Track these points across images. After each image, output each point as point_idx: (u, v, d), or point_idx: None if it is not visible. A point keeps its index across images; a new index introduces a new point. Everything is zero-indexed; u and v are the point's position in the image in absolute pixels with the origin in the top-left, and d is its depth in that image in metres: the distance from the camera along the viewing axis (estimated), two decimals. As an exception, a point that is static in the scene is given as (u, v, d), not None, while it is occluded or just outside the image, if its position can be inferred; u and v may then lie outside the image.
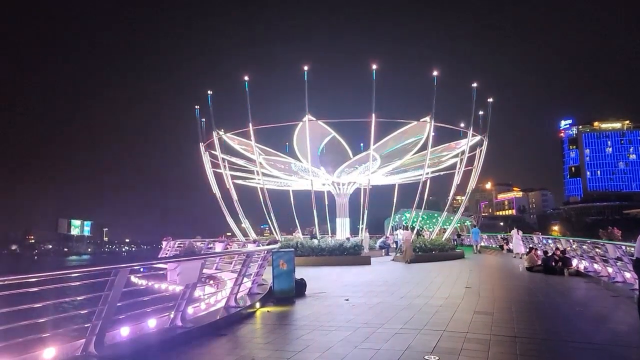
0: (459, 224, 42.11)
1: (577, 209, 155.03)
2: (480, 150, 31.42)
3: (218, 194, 32.88)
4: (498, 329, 7.40)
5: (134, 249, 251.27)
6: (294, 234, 32.43)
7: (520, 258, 25.29)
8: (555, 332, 7.58)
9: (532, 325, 8.08)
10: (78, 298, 6.26)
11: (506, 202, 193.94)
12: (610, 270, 13.85)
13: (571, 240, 19.56)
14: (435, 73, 26.29)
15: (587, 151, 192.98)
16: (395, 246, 29.85)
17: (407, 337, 6.88)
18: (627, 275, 12.49)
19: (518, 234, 27.39)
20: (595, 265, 15.72)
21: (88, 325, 5.58)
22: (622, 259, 12.57)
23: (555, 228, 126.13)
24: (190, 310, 7.84)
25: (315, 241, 25.53)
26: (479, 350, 6.07)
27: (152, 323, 6.99)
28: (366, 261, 22.85)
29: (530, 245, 21.98)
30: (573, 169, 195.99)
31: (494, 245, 38.64)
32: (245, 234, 32.76)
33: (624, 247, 12.70)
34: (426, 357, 5.73)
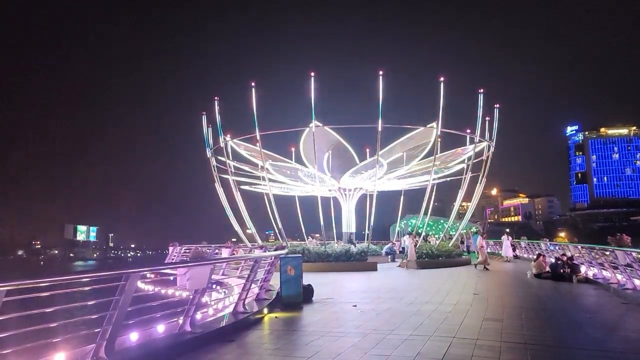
0: (465, 231, 41.91)
1: (583, 215, 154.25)
2: (487, 156, 31.31)
3: (224, 200, 32.94)
4: (508, 335, 7.34)
5: (139, 254, 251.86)
6: (311, 240, 31.75)
7: (508, 262, 28.43)
8: (566, 339, 7.53)
9: (542, 332, 8.01)
10: (88, 303, 6.27)
11: (512, 209, 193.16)
12: (620, 277, 13.74)
13: (579, 247, 19.41)
14: (441, 79, 26.26)
15: (594, 157, 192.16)
16: (402, 252, 29.70)
17: (417, 343, 6.84)
18: (637, 282, 12.39)
19: (508, 239, 30.80)
20: (605, 272, 15.60)
21: (98, 330, 5.57)
22: (632, 265, 12.46)
23: (562, 234, 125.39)
24: (198, 315, 7.84)
25: (354, 247, 25.59)
26: (490, 357, 6.02)
27: (161, 328, 6.99)
28: (373, 267, 22.79)
29: (538, 252, 21.85)
30: (579, 175, 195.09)
31: (500, 252, 38.41)
32: (251, 240, 32.75)
33: (633, 254, 12.59)
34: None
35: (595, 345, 7.10)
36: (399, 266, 24.95)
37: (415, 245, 26.95)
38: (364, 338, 7.31)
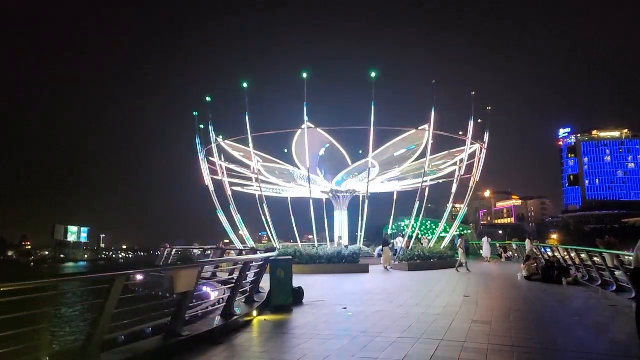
0: (457, 232, 42.09)
1: (575, 217, 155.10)
2: (479, 159, 31.45)
3: (216, 201, 32.83)
4: (496, 338, 7.38)
5: (130, 256, 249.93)
6: (337, 241, 31.05)
7: (488, 262, 30.37)
8: (553, 341, 7.56)
9: (530, 334, 8.05)
10: (75, 306, 6.25)
11: (505, 211, 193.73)
12: (608, 279, 13.83)
13: (569, 249, 19.51)
14: (433, 81, 26.37)
15: (586, 160, 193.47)
16: (395, 254, 29.67)
17: (404, 346, 6.86)
18: (625, 284, 12.47)
19: (487, 241, 33.86)
20: (594, 275, 15.69)
21: (85, 333, 5.55)
22: (620, 268, 12.54)
23: (554, 236, 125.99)
24: (187, 318, 7.81)
25: (391, 247, 25.50)
26: (476, 360, 6.05)
27: (149, 331, 6.96)
28: (364, 269, 22.80)
29: (527, 254, 21.94)
30: (572, 177, 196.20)
31: (493, 254, 38.59)
32: (243, 242, 32.64)
33: (621, 257, 12.67)
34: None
35: (581, 347, 7.15)
36: (392, 268, 24.97)
37: (408, 247, 27.02)
38: (352, 341, 7.32)
